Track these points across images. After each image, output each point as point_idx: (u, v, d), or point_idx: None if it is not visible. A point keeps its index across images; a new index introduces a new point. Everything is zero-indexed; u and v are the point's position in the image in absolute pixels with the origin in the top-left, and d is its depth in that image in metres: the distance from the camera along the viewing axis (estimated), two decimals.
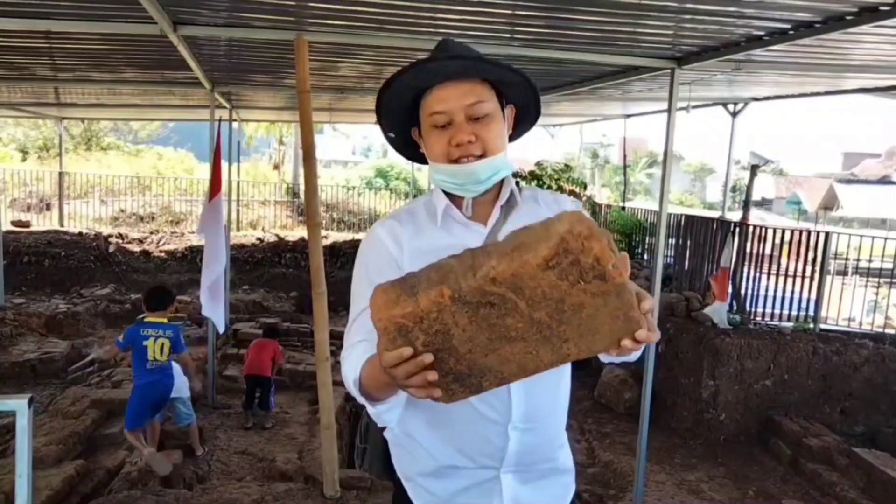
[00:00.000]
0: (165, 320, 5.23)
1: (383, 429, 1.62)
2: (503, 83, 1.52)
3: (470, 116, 1.46)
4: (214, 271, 6.39)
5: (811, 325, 7.53)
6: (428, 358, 1.09)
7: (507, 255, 1.06)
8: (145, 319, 5.22)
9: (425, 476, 1.55)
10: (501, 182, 1.56)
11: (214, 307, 6.54)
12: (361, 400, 1.38)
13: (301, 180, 17.04)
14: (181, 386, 5.64)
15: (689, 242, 9.08)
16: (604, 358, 1.35)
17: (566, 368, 1.57)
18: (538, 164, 11.67)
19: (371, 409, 1.41)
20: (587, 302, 1.07)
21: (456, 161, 1.47)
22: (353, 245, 13.11)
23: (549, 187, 10.97)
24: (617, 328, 1.11)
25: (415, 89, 1.50)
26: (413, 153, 1.65)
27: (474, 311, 1.08)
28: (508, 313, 1.08)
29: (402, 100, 1.53)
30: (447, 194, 1.55)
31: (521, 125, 1.65)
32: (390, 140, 1.64)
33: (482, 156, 1.47)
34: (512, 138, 1.64)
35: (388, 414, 1.43)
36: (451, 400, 1.17)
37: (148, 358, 5.08)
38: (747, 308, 7.99)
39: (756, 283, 8.15)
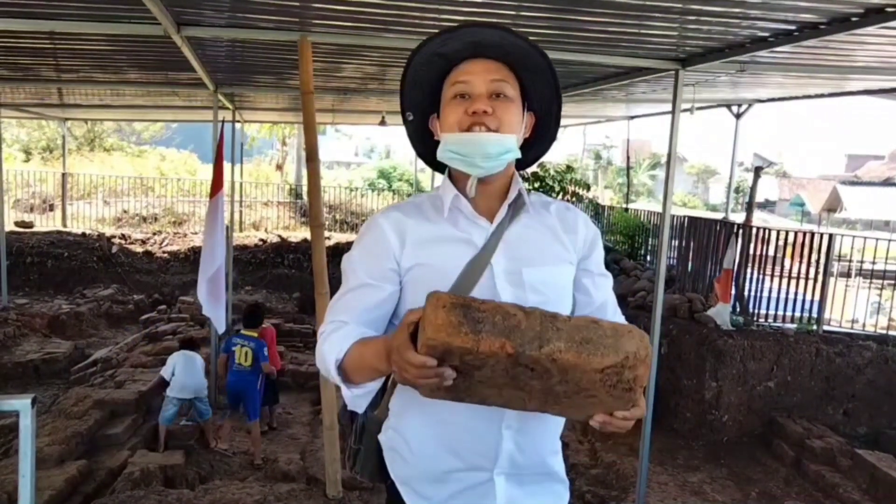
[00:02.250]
0: (256, 335, 6.28)
1: (378, 431, 1.61)
2: (528, 72, 1.50)
3: (491, 92, 1.45)
4: (212, 266, 6.40)
5: (814, 327, 7.51)
6: (449, 377, 1.15)
7: (574, 344, 1.13)
8: (240, 332, 6.37)
9: (420, 480, 1.53)
10: (510, 181, 1.54)
11: (215, 307, 6.55)
12: (336, 380, 1.41)
13: (304, 181, 17.07)
14: (200, 387, 6.37)
15: (692, 244, 9.06)
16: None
17: None
18: (541, 165, 11.63)
19: (346, 392, 1.44)
20: (602, 397, 1.19)
21: (468, 129, 1.45)
22: None
23: (552, 188, 10.96)
24: (596, 413, 1.25)
25: (443, 60, 1.48)
26: (423, 149, 1.63)
27: (514, 368, 1.14)
28: (538, 379, 1.16)
29: (428, 77, 1.51)
30: (455, 187, 1.53)
31: (540, 140, 1.62)
32: (407, 125, 1.61)
33: (495, 132, 1.45)
34: (531, 157, 1.64)
35: (362, 399, 1.47)
36: (430, 396, 1.24)
37: (235, 361, 6.15)
38: (750, 309, 7.97)
39: (759, 285, 8.14)
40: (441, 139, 1.51)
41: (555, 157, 14.54)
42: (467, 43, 1.45)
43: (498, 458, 1.48)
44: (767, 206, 36.22)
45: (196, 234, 14.64)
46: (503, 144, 1.45)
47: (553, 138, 1.64)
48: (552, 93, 1.55)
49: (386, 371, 1.33)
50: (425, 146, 1.62)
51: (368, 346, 1.34)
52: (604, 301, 1.60)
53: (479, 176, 1.48)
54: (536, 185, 10.94)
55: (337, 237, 15.11)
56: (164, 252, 14.01)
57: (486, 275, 1.45)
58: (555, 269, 1.52)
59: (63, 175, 15.87)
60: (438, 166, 1.63)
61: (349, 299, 1.50)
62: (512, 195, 1.53)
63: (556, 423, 1.57)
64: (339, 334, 1.41)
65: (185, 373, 6.29)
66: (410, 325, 1.16)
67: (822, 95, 7.63)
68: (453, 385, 1.18)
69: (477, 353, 1.11)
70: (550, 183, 11.09)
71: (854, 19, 3.68)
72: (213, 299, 6.49)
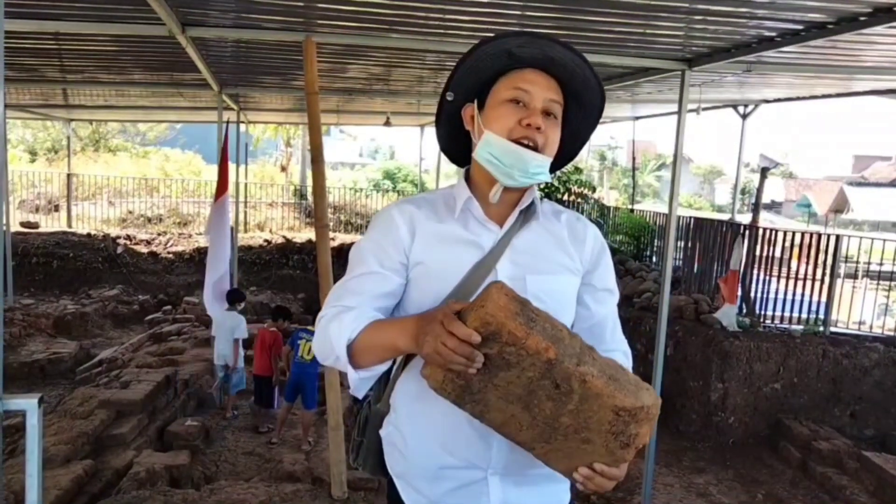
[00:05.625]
0: None
1: (380, 426, 1.61)
2: (576, 103, 1.53)
3: (546, 110, 1.46)
4: (218, 270, 6.42)
5: (821, 329, 7.48)
6: (479, 363, 1.16)
7: (605, 377, 1.19)
8: (307, 328, 6.60)
9: (416, 476, 1.53)
10: (526, 189, 1.54)
11: (220, 307, 6.56)
12: (343, 361, 1.39)
13: (308, 182, 17.08)
14: (224, 354, 6.77)
15: (698, 245, 9.04)
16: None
17: None
18: None
19: (352, 374, 1.42)
20: (597, 445, 1.22)
21: (516, 141, 1.45)
22: None
23: (558, 189, 10.95)
24: (581, 464, 1.26)
25: (511, 60, 1.47)
26: (447, 130, 1.62)
27: (542, 379, 1.18)
28: (554, 400, 1.20)
29: (488, 68, 1.50)
30: (470, 189, 1.53)
31: (556, 159, 1.60)
32: (445, 105, 1.58)
33: (540, 151, 1.46)
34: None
35: (367, 381, 1.46)
36: (439, 388, 1.24)
37: (298, 354, 6.41)
38: (757, 311, 7.95)
39: (766, 286, 8.11)
40: (484, 136, 1.48)
41: None
42: (544, 55, 1.46)
43: (491, 458, 1.48)
44: (774, 207, 36.16)
45: (201, 234, 14.65)
46: (542, 166, 1.48)
47: (568, 161, 1.69)
48: (588, 130, 1.60)
49: (405, 350, 1.33)
50: (450, 128, 1.61)
51: (392, 323, 1.36)
52: (604, 317, 1.60)
53: (507, 185, 1.49)
54: (541, 185, 10.92)
55: (342, 238, 15.09)
56: (168, 253, 14.02)
57: (490, 279, 1.44)
58: (559, 279, 1.52)
59: (68, 176, 15.91)
60: (452, 154, 1.66)
61: (356, 283, 1.48)
62: (525, 202, 1.53)
63: None
64: (350, 315, 1.40)
65: (216, 333, 6.61)
66: (455, 307, 1.19)
67: (829, 96, 7.61)
68: (466, 384, 1.18)
69: (521, 346, 1.13)
70: (556, 184, 11.08)
71: (862, 19, 3.67)
72: (217, 300, 6.50)
